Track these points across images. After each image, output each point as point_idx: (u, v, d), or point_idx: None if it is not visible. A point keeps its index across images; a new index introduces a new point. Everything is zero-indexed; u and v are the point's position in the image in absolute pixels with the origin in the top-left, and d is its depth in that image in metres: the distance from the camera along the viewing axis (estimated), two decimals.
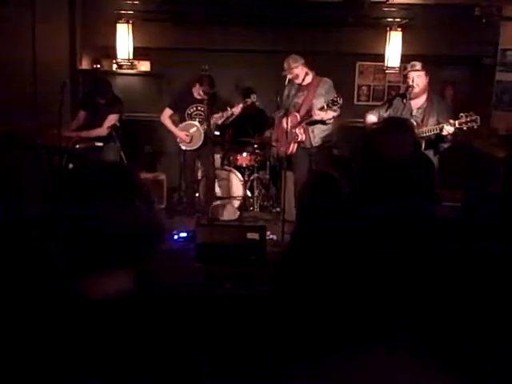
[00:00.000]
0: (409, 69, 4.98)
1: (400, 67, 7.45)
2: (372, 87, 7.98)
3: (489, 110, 7.27)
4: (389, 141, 1.80)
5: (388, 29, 7.47)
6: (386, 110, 4.98)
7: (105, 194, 1.23)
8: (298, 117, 5.86)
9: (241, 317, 3.37)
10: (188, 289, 3.89)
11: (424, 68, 4.92)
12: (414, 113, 4.92)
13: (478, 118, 4.51)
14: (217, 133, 6.91)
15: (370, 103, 7.60)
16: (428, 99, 4.95)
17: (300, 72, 5.82)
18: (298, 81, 5.86)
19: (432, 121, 4.81)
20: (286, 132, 5.79)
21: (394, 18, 7.45)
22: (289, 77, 5.87)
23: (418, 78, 4.88)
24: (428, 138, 4.77)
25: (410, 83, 4.89)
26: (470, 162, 6.47)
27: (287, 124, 5.80)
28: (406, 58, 7.36)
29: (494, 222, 1.45)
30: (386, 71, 7.68)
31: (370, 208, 1.74)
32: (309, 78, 5.87)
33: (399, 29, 7.43)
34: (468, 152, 6.62)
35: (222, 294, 3.87)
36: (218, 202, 6.77)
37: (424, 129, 4.76)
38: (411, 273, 1.42)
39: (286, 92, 6.02)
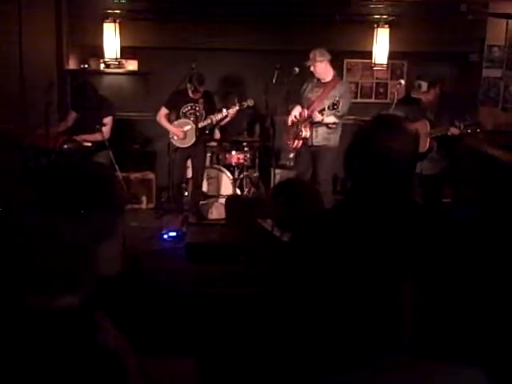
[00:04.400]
0: (420, 90, 5.33)
1: (387, 64, 7.49)
2: (360, 84, 8.00)
3: (476, 106, 7.31)
4: (391, 140, 1.74)
5: (375, 26, 7.48)
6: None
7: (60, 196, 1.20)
8: (306, 113, 5.78)
9: (230, 316, 3.37)
10: (178, 288, 3.89)
11: (431, 86, 5.27)
12: (428, 115, 5.28)
13: (480, 122, 4.85)
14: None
15: (358, 100, 7.60)
16: (436, 100, 5.36)
17: (323, 67, 5.73)
18: (318, 76, 5.78)
19: (444, 120, 5.12)
20: (292, 126, 5.77)
21: (380, 15, 7.46)
22: (311, 69, 5.76)
23: (429, 95, 5.31)
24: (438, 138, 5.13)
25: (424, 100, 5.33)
26: (457, 158, 6.49)
27: (296, 118, 5.78)
28: (393, 55, 7.42)
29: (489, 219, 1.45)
30: (374, 68, 7.70)
31: (367, 212, 1.71)
32: (329, 77, 5.80)
33: (386, 26, 7.44)
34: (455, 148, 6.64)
35: (211, 293, 3.87)
36: (207, 201, 6.76)
37: (434, 130, 5.10)
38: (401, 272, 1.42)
39: (304, 86, 5.95)
